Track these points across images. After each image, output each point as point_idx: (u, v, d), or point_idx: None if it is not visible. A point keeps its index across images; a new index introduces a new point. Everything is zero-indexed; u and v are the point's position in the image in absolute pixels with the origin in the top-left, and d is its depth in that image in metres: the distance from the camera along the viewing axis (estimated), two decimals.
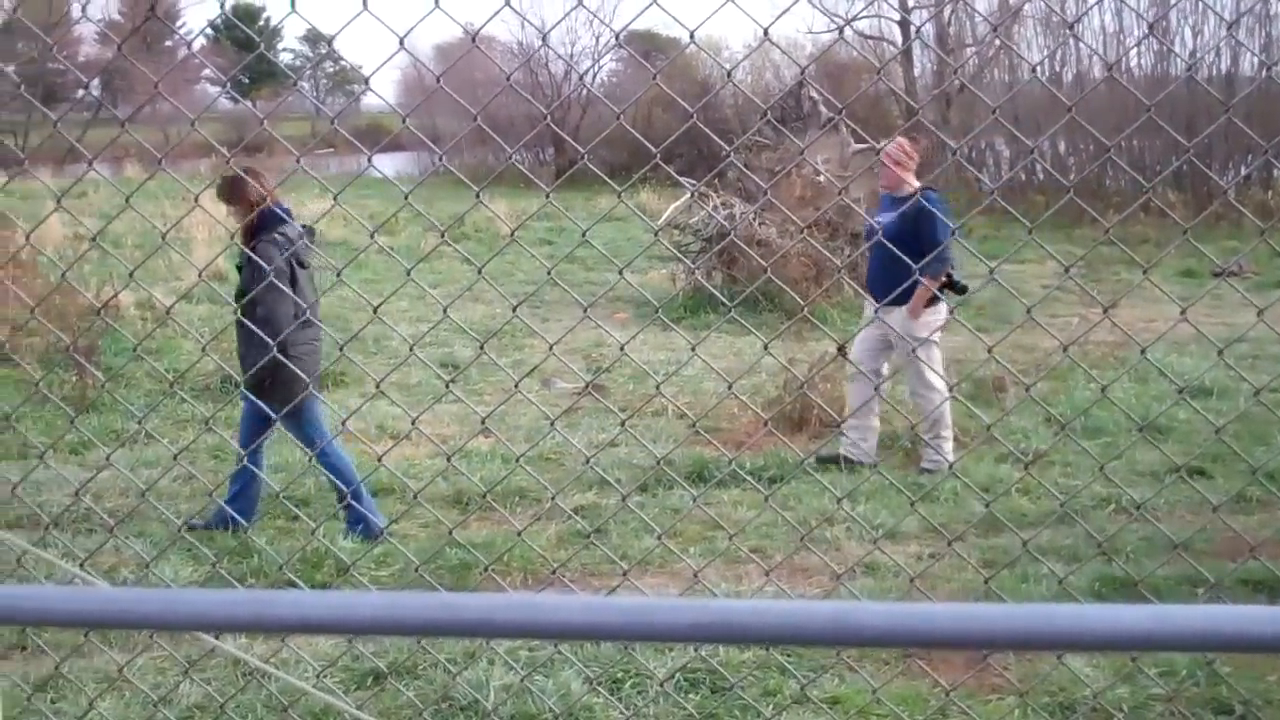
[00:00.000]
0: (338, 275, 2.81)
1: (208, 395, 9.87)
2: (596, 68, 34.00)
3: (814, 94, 14.95)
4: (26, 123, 34.74)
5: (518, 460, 3.22)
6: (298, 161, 2.90)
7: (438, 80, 2.91)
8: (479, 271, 2.83)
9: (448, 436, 8.98)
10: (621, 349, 2.85)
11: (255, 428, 6.87)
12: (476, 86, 27.44)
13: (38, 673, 5.07)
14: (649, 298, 3.58)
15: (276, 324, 6.43)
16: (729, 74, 2.94)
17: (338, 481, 6.72)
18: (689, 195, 15.12)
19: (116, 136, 2.91)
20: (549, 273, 2.77)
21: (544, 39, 3.46)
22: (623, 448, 8.58)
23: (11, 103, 32.47)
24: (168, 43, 43.98)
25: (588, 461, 3.03)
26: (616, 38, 2.76)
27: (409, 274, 2.84)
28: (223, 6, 2.92)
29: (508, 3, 3.06)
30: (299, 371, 5.37)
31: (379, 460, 3.19)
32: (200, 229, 16.49)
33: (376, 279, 15.97)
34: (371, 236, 2.92)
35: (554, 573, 5.72)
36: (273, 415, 5.78)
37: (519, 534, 3.72)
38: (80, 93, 40.09)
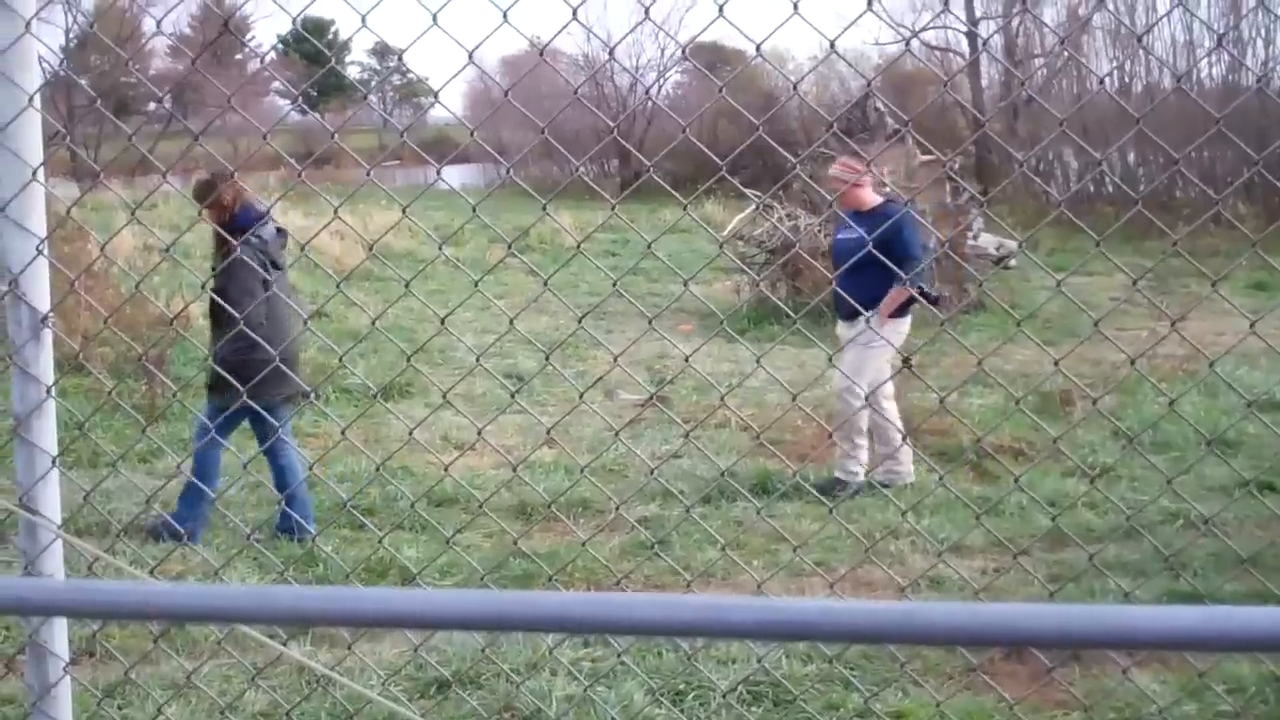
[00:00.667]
0: (405, 286, 2.85)
1: None
2: (662, 80, 34.10)
3: (880, 105, 14.89)
4: (99, 135, 35.30)
5: (582, 471, 3.25)
6: (368, 174, 2.94)
7: (505, 94, 2.94)
8: (545, 284, 2.86)
9: (511, 447, 9.03)
10: (686, 360, 2.87)
11: (208, 429, 6.97)
12: (542, 99, 27.56)
13: (106, 678, 5.15)
14: (714, 310, 3.59)
15: (251, 329, 6.51)
16: (794, 86, 2.94)
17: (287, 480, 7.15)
18: (754, 207, 15.11)
19: (189, 149, 2.96)
20: (615, 284, 2.79)
21: (610, 53, 3.48)
22: (685, 459, 8.59)
23: (85, 115, 33.03)
24: (237, 56, 44.59)
25: (652, 473, 3.04)
26: (683, 51, 2.75)
27: (476, 285, 2.87)
28: (295, 22, 2.97)
29: (575, 16, 3.08)
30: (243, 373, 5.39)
31: (445, 470, 3.23)
32: None
33: (442, 290, 16.08)
34: (440, 248, 2.95)
35: (618, 584, 5.73)
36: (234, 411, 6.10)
37: (584, 544, 3.74)
38: (153, 106, 40.71)
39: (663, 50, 33.47)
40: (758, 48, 2.99)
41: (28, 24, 2.99)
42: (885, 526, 7.10)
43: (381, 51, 54.68)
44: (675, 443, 9.00)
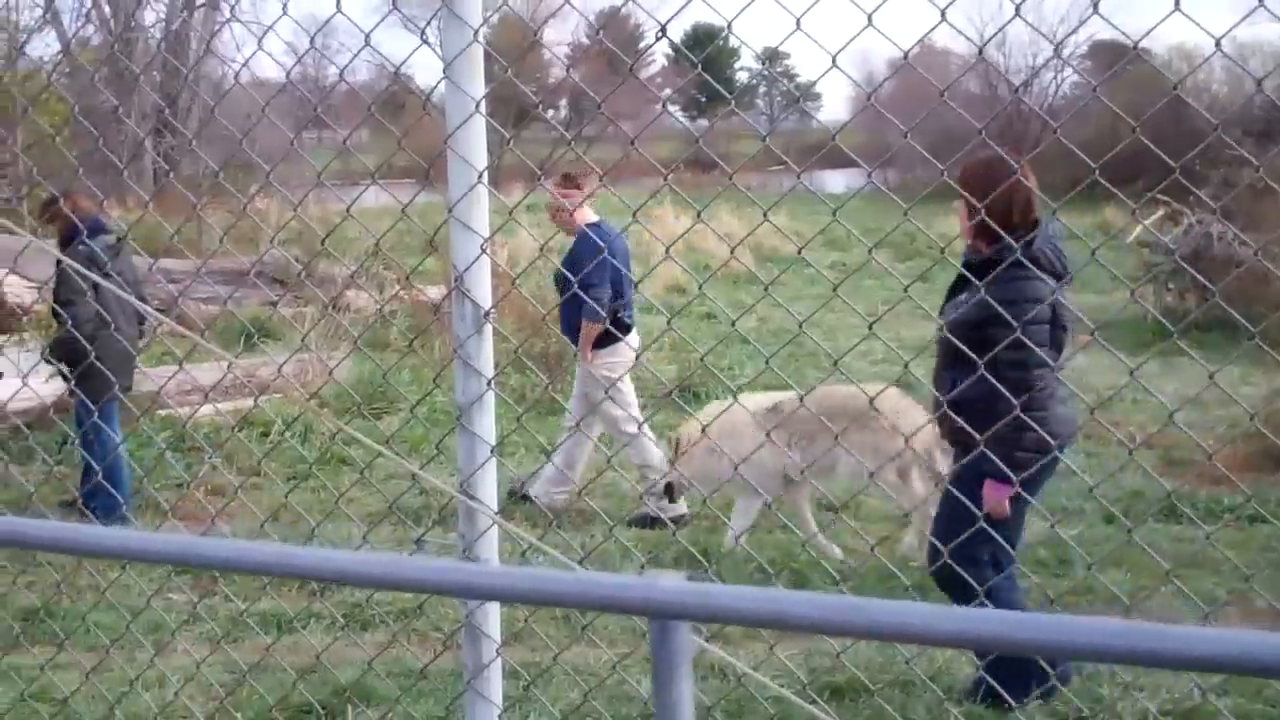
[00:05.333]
0: (758, 286, 2.82)
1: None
2: (1059, 80, 32.89)
3: None
4: (501, 143, 36.92)
5: (1015, 485, 3.14)
6: (798, 178, 2.93)
7: (941, 94, 2.88)
8: (980, 289, 2.77)
9: None
10: (1131, 374, 2.71)
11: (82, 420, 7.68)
12: (929, 100, 27.03)
13: (533, 661, 5.36)
14: (1166, 324, 3.40)
15: (79, 326, 7.12)
16: (1259, 84, 2.73)
17: (91, 463, 7.58)
18: (1161, 212, 14.34)
19: (622, 158, 3.03)
20: (1054, 292, 2.68)
21: (1056, 50, 3.35)
22: (1085, 476, 8.22)
23: (491, 118, 34.60)
24: (634, 64, 45.96)
25: (1091, 490, 2.90)
26: (1135, 45, 2.58)
27: (906, 290, 2.83)
28: (730, 32, 3.00)
29: (1018, 12, 2.98)
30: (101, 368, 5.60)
31: (870, 477, 3.17)
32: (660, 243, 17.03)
33: (826, 295, 16.02)
34: (869, 251, 2.92)
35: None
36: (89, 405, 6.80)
37: (1012, 561, 3.62)
38: (551, 113, 42.41)
39: (1062, 49, 32.26)
40: (1217, 43, 2.79)
41: (475, 33, 3.12)
42: None
43: (769, 56, 55.15)
44: (1076, 459, 8.65)
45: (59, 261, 7.42)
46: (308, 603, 6.17)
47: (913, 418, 6.66)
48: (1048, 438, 4.02)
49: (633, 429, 7.95)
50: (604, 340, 7.76)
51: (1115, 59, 20.22)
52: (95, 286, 7.26)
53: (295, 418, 9.41)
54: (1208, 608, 5.95)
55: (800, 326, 3.12)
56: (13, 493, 7.62)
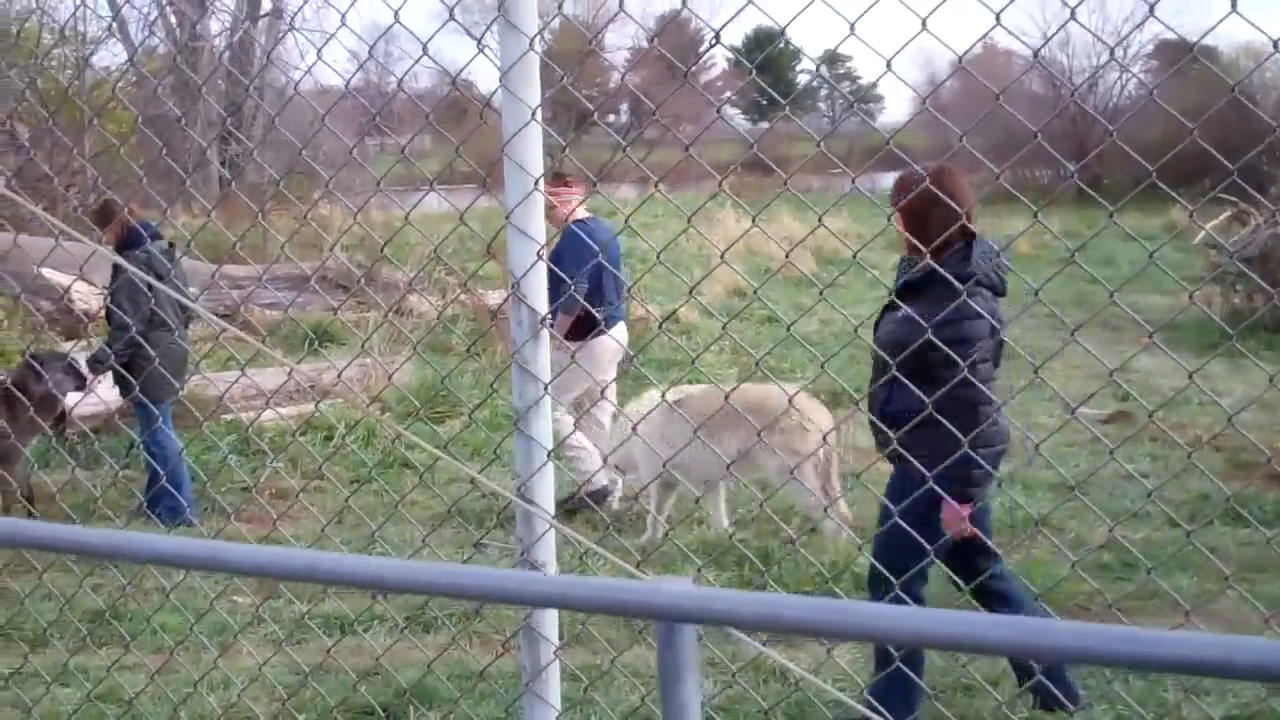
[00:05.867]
0: (817, 289, 2.81)
1: None
2: (1124, 80, 32.45)
3: None
4: (562, 149, 37.00)
5: (1073, 490, 3.12)
6: (853, 182, 2.93)
7: (997, 97, 2.86)
8: (1035, 293, 2.76)
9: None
10: (1190, 376, 2.69)
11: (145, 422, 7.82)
12: (990, 99, 26.78)
13: (592, 663, 5.38)
14: (1220, 322, 3.37)
15: (131, 327, 7.24)
16: (1233, 89, 2.70)
17: (155, 466, 7.57)
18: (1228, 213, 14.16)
19: (679, 162, 3.05)
20: (1111, 296, 2.67)
21: (1111, 53, 3.33)
22: (1152, 479, 8.13)
23: (552, 123, 34.80)
24: (691, 68, 45.89)
25: (1149, 495, 2.88)
26: (1191, 47, 2.55)
27: (964, 292, 2.81)
28: (802, 42, 3.00)
29: (1073, 15, 2.95)
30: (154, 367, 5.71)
31: (929, 478, 3.16)
32: (721, 246, 17.02)
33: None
34: (925, 254, 2.90)
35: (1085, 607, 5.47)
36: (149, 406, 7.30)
37: (1072, 565, 3.59)
38: (612, 117, 42.48)
39: (1125, 49, 31.81)
40: (1275, 44, 2.76)
41: (531, 42, 3.14)
42: None
43: (829, 59, 54.95)
44: (1142, 462, 8.55)
45: (115, 269, 7.58)
46: (369, 605, 6.22)
47: (820, 419, 7.34)
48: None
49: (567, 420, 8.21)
50: (578, 336, 7.95)
51: (1181, 58, 19.96)
52: (151, 290, 7.39)
53: (357, 422, 9.50)
54: (1269, 612, 5.93)
55: (855, 331, 3.12)
56: (80, 497, 7.74)
